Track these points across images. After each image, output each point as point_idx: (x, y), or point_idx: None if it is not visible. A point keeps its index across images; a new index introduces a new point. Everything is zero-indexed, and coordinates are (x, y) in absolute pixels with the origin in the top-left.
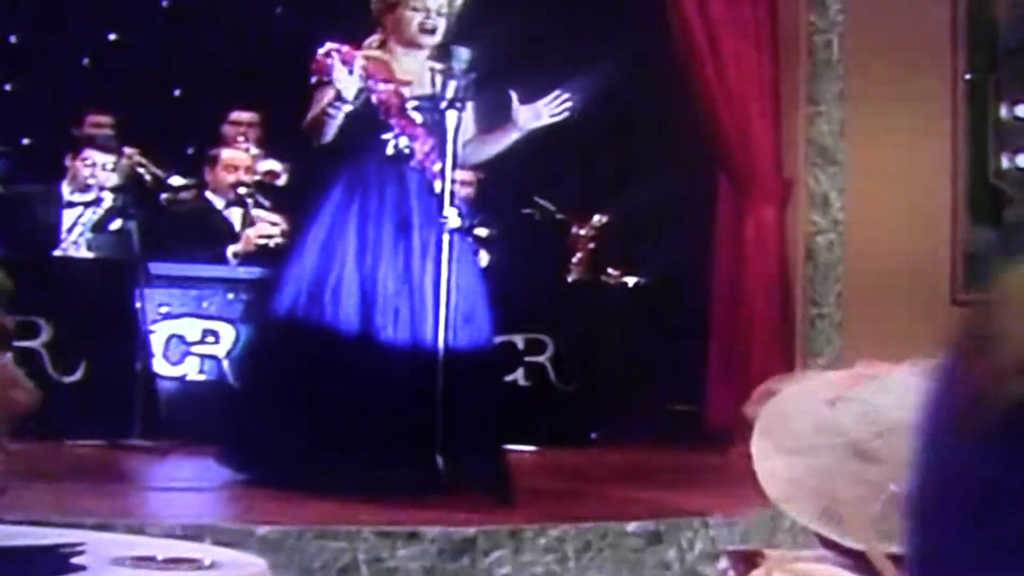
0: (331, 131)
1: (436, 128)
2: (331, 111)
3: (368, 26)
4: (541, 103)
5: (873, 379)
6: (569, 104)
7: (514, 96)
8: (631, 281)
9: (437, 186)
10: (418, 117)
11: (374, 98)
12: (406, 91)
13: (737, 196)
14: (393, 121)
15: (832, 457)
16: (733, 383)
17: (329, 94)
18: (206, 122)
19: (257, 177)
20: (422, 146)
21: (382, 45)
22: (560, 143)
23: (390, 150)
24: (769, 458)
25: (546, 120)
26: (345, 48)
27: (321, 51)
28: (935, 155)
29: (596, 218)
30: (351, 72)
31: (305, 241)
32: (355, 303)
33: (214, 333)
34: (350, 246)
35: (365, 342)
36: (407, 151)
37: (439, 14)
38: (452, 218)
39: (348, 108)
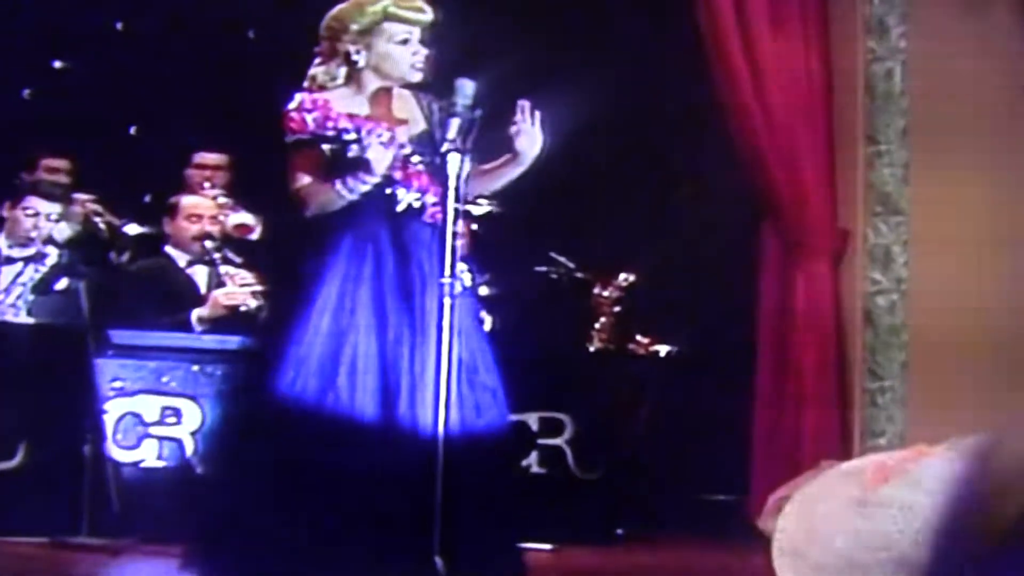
0: (338, 207)
1: (437, 173)
2: (345, 189)
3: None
4: (536, 126)
5: (902, 473)
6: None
7: (522, 110)
8: (663, 350)
9: (435, 236)
10: (420, 164)
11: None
12: (401, 133)
13: (785, 250)
14: (400, 173)
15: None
16: (780, 469)
17: (317, 155)
18: (166, 165)
19: (227, 229)
20: (433, 196)
21: (349, 81)
22: (580, 189)
23: (402, 204)
24: None
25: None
26: (320, 99)
27: (293, 106)
28: (1015, 203)
29: (622, 277)
30: (383, 143)
31: (284, 305)
32: (344, 378)
33: (176, 412)
34: (339, 313)
35: (353, 423)
36: (417, 204)
37: (422, 44)
38: (461, 278)
39: (373, 182)
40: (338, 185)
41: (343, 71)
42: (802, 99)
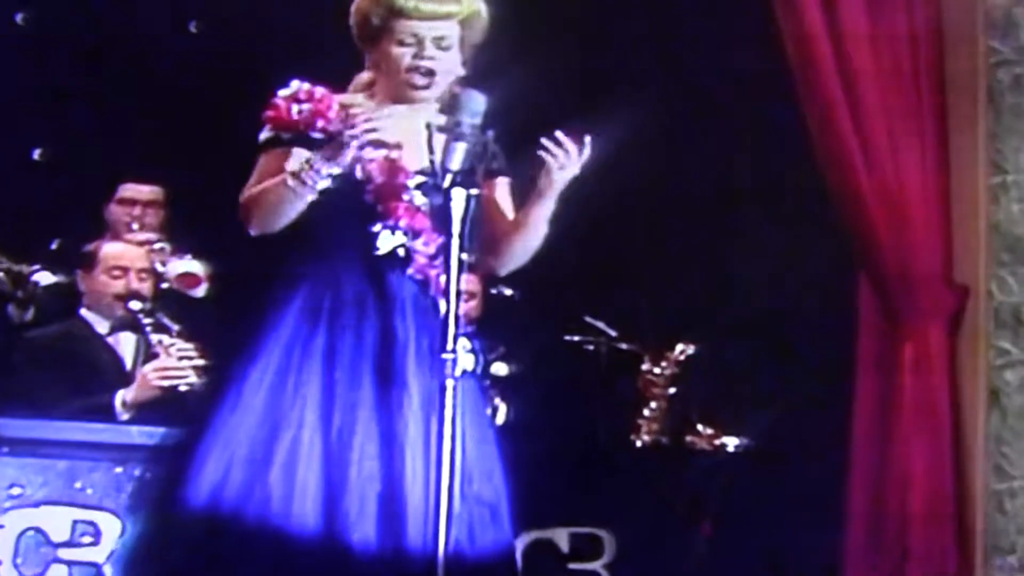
0: (290, 215)
1: (440, 216)
2: (299, 183)
3: (339, 60)
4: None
5: None
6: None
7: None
8: (730, 444)
9: (441, 305)
10: (421, 199)
11: (359, 169)
12: (405, 158)
13: (886, 313)
14: (385, 206)
15: None
16: None
17: (297, 157)
18: (81, 200)
19: (166, 283)
20: (425, 244)
21: (371, 87)
22: (624, 233)
23: (383, 248)
24: None
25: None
26: (320, 91)
27: (284, 93)
28: None
29: (678, 348)
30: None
31: (239, 388)
32: (315, 486)
33: (92, 527)
34: (310, 398)
35: (327, 546)
36: (403, 251)
37: (440, 47)
38: (462, 356)
39: (334, 173)
40: (288, 177)
41: (365, 76)
42: (908, 120)
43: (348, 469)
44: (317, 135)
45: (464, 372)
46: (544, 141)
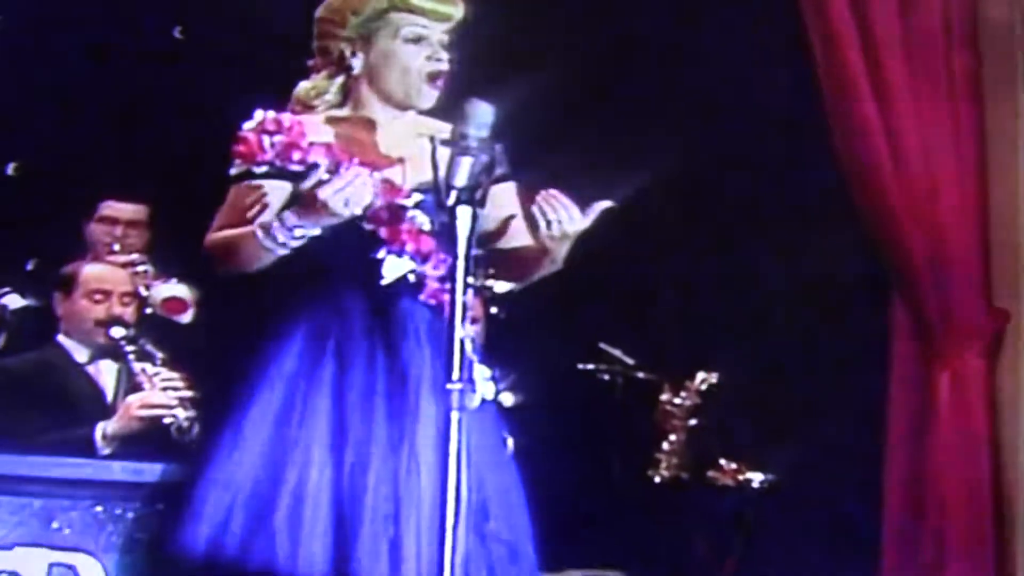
0: (261, 264)
1: (447, 235)
2: (270, 241)
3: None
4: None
5: None
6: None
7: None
8: (755, 480)
9: (436, 322)
10: (424, 220)
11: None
12: (399, 176)
13: (922, 336)
14: (388, 230)
15: None
16: None
17: (273, 193)
18: (59, 218)
19: (149, 308)
20: (435, 268)
21: (346, 97)
22: (641, 253)
23: (391, 275)
24: None
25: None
26: (288, 118)
27: (250, 125)
28: None
29: (700, 377)
30: (354, 182)
31: (239, 424)
32: (324, 529)
33: (70, 571)
34: (316, 435)
35: None
36: (413, 277)
37: (444, 48)
38: (481, 385)
39: (309, 234)
40: (258, 230)
41: (337, 83)
42: (943, 125)
43: (361, 511)
44: (295, 167)
45: (483, 401)
46: (540, 200)
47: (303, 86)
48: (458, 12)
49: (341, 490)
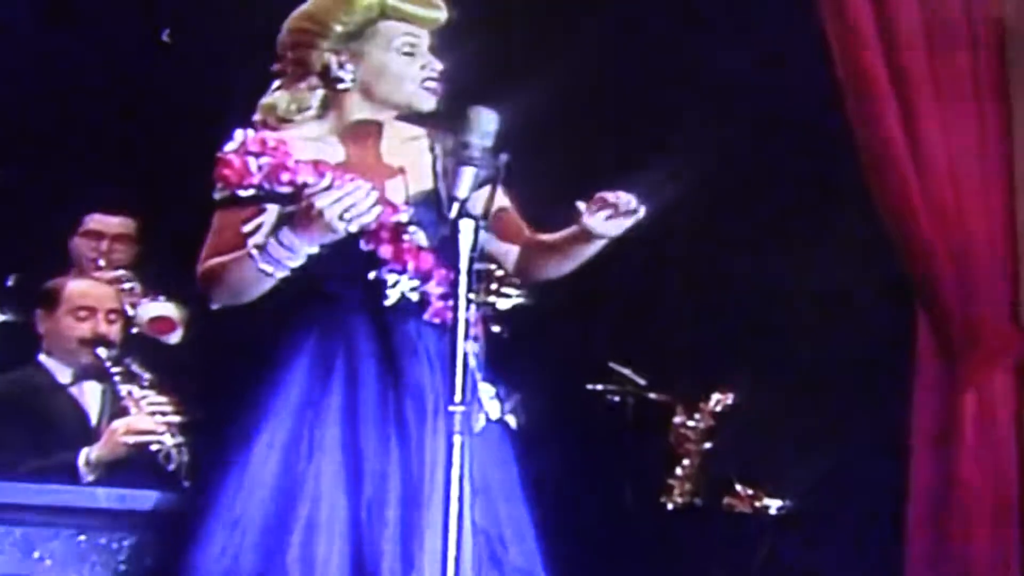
0: (259, 291)
1: (447, 249)
2: (267, 263)
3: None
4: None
5: None
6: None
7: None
8: (773, 506)
9: (445, 342)
10: (421, 237)
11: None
12: (400, 186)
13: (947, 356)
14: (388, 248)
15: None
16: None
17: (264, 215)
18: (41, 231)
19: (136, 327)
20: (438, 285)
21: (326, 109)
22: (653, 268)
23: (393, 295)
24: None
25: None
26: (271, 137)
27: (232, 146)
28: None
29: (715, 399)
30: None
31: (213, 444)
32: (339, 567)
33: None
34: (325, 467)
35: None
36: (416, 295)
37: (432, 50)
38: (487, 405)
39: (309, 252)
40: (254, 251)
41: (318, 95)
42: (969, 134)
43: (381, 544)
44: (285, 189)
45: (488, 422)
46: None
47: (279, 98)
48: (443, 15)
49: (359, 525)
